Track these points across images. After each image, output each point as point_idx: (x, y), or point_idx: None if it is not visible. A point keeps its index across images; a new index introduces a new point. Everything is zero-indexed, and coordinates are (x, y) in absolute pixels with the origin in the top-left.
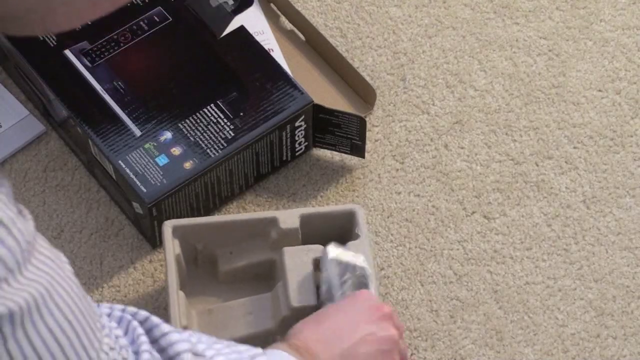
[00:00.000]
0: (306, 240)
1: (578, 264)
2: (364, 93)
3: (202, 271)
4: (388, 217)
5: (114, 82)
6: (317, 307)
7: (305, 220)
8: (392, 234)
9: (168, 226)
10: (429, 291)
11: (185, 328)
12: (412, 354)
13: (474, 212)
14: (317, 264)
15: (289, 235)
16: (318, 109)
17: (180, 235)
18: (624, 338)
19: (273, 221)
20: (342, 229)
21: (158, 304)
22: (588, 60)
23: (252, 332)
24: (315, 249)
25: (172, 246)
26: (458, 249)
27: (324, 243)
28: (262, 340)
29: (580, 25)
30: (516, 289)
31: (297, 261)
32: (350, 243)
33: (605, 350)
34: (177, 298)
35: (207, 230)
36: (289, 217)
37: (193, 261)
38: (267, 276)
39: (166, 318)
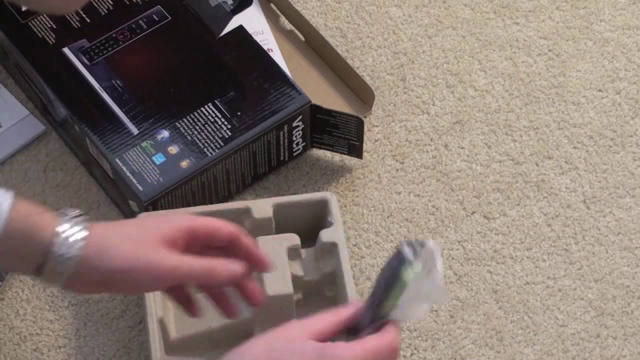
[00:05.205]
0: (280, 230)
1: (578, 264)
2: (362, 94)
3: None
4: (388, 217)
5: (112, 81)
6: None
7: (278, 209)
8: (392, 234)
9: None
10: None
11: (161, 319)
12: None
13: (474, 212)
14: (291, 253)
15: (262, 224)
16: (316, 109)
17: None
18: (624, 338)
19: (246, 211)
20: (315, 217)
21: None
22: (588, 60)
23: (228, 321)
24: (289, 238)
25: None
26: (458, 249)
27: (298, 232)
28: (239, 329)
29: (580, 25)
30: (516, 289)
31: (271, 250)
32: (324, 230)
33: (605, 350)
34: None
35: None
36: (262, 207)
37: None
38: None
39: (142, 308)
